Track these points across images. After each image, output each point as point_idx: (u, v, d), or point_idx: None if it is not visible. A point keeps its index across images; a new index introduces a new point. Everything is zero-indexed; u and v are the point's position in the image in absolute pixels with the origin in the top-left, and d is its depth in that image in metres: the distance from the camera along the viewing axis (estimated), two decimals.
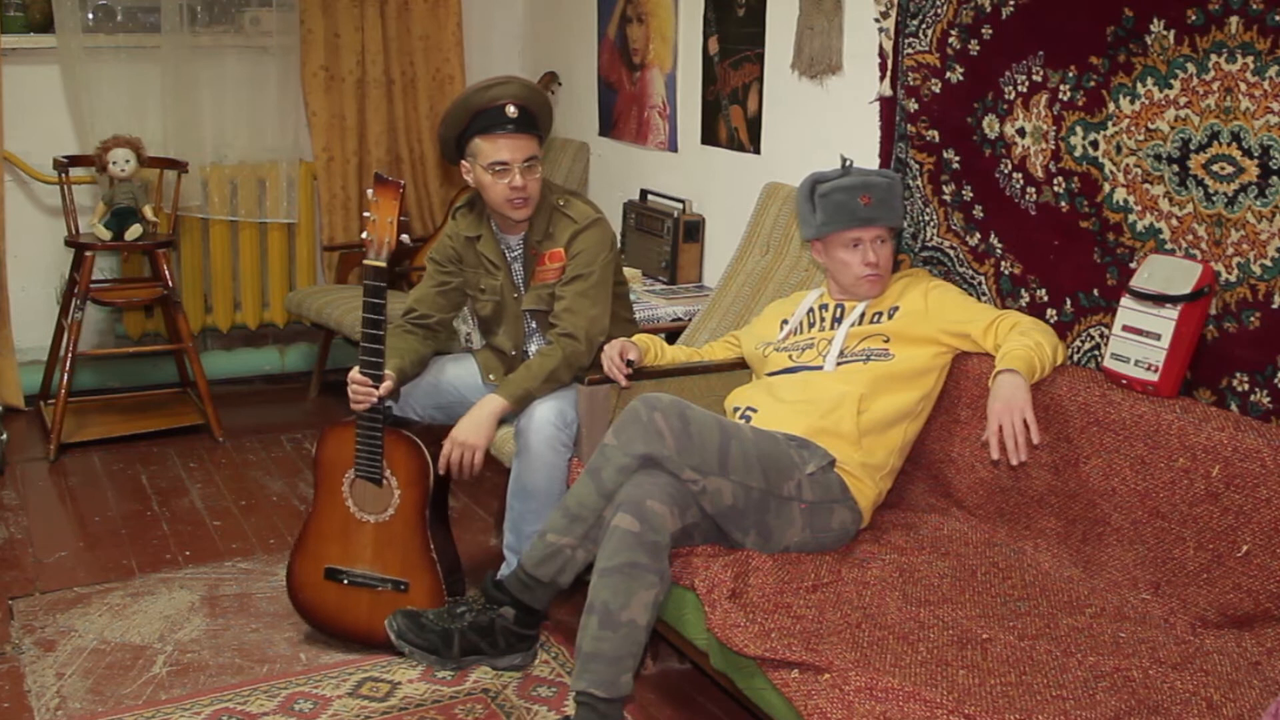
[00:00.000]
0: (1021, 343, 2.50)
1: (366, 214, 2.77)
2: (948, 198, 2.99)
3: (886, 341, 2.67)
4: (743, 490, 2.42)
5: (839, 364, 2.68)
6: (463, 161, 3.00)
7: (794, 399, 2.66)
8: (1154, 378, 2.38)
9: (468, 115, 2.92)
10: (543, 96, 3.03)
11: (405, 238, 2.77)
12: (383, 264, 2.74)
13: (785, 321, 2.88)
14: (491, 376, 3.09)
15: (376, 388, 2.79)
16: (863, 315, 2.74)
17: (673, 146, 4.27)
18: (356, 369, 2.80)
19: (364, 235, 2.77)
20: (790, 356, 2.78)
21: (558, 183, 3.37)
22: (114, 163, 4.18)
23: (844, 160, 2.80)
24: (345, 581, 2.88)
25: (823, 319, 2.81)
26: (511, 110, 2.89)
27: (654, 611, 2.34)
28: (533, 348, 3.09)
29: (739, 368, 3.03)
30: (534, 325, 3.09)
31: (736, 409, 2.74)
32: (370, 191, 2.79)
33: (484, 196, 3.00)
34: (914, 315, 2.69)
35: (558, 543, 2.53)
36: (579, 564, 2.54)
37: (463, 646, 2.76)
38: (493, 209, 3.00)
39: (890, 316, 2.71)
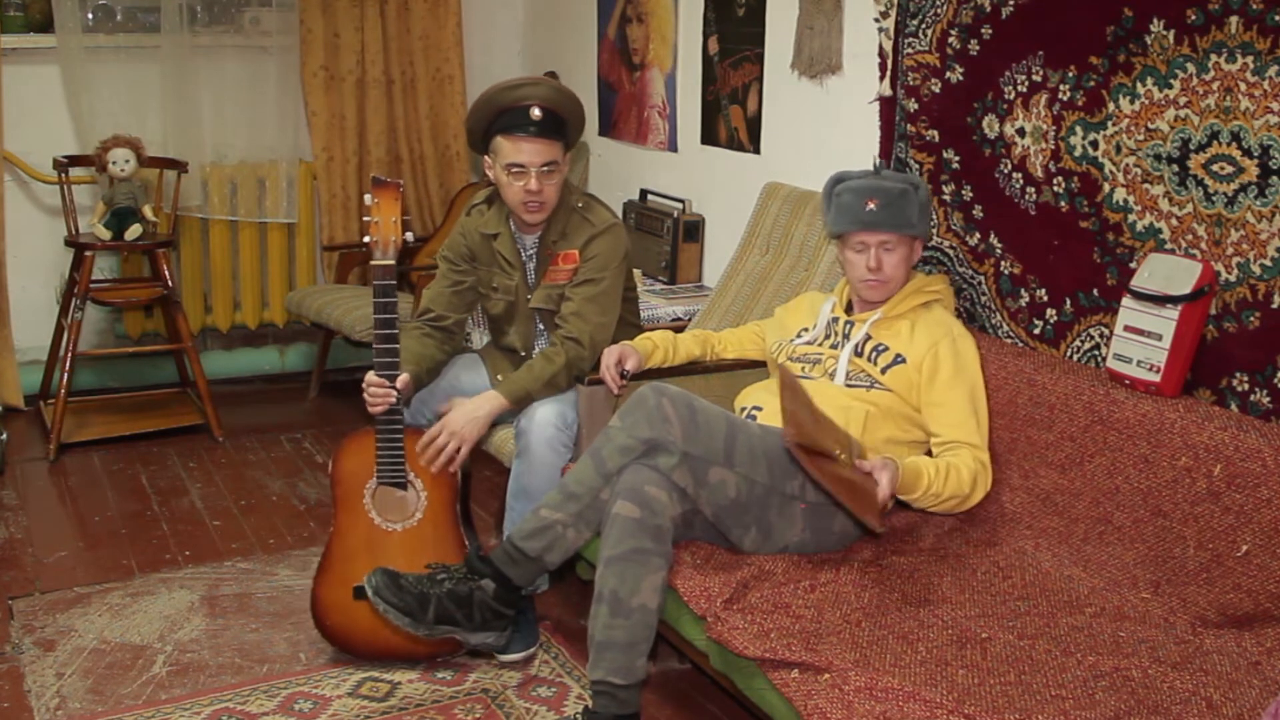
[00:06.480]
0: (934, 464, 2.50)
1: (368, 218, 2.73)
2: (947, 197, 2.99)
3: (884, 373, 2.64)
4: (746, 484, 2.41)
5: (847, 384, 2.65)
6: (485, 156, 2.98)
7: None
8: (1156, 378, 2.38)
9: (492, 112, 2.88)
10: (574, 102, 2.96)
11: (409, 235, 2.75)
12: (391, 262, 2.71)
13: (806, 330, 2.84)
14: (499, 376, 3.05)
15: (394, 388, 2.74)
16: (862, 344, 2.69)
17: (672, 146, 4.27)
18: (372, 372, 2.73)
19: (367, 238, 2.72)
20: (802, 369, 2.75)
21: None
22: (114, 163, 4.17)
23: (876, 163, 2.74)
24: None
25: (832, 333, 2.78)
26: (536, 113, 2.84)
27: (663, 593, 2.35)
28: (540, 348, 3.08)
29: (748, 367, 3.00)
30: (541, 327, 3.08)
31: (743, 408, 2.73)
32: (369, 196, 2.74)
33: (501, 195, 2.98)
34: (908, 378, 2.62)
35: (550, 518, 2.49)
36: (569, 545, 2.50)
37: (438, 614, 2.57)
38: (509, 208, 2.99)
39: (879, 354, 2.67)
